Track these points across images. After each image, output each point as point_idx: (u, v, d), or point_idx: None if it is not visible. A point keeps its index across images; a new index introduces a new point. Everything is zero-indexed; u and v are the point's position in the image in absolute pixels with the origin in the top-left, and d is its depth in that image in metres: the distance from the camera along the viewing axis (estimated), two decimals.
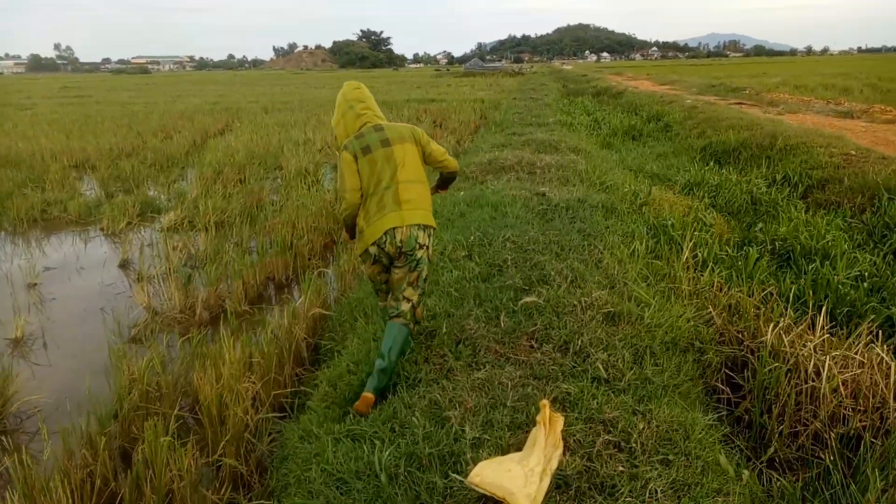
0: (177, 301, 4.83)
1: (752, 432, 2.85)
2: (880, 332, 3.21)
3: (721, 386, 3.11)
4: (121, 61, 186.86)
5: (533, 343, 3.01)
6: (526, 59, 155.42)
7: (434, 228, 3.01)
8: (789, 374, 2.90)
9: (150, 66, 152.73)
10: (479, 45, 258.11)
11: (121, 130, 14.64)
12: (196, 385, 3.33)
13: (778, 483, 2.45)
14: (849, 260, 4.51)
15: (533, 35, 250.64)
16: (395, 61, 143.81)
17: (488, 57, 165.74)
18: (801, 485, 2.45)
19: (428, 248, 2.95)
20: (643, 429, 2.28)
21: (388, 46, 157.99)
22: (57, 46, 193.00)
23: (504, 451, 2.17)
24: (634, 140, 12.09)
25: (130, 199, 7.95)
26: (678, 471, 2.09)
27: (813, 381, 2.82)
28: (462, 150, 10.91)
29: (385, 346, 2.82)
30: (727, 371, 3.19)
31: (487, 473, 1.98)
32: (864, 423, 2.70)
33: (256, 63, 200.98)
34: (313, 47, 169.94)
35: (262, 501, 2.62)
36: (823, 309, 3.43)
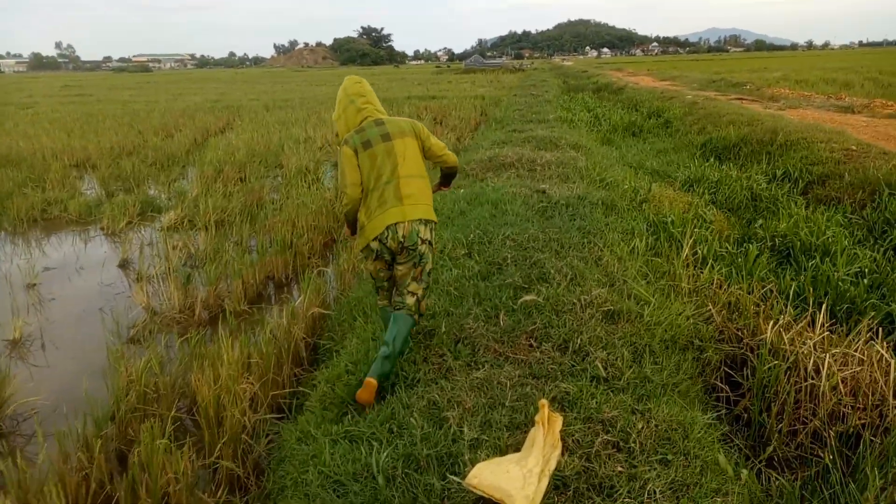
0: (176, 301, 4.83)
1: (751, 431, 2.85)
2: (880, 328, 3.19)
3: (720, 384, 3.10)
4: (122, 60, 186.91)
5: (532, 342, 3.00)
6: (526, 55, 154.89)
7: (435, 223, 3.00)
8: (789, 372, 2.90)
9: (151, 65, 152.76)
10: (480, 42, 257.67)
11: (122, 129, 14.64)
12: (194, 386, 3.31)
13: (777, 482, 2.44)
14: (849, 256, 4.50)
15: (533, 31, 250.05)
16: (396, 58, 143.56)
17: (489, 53, 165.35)
18: (800, 483, 2.44)
19: (431, 242, 2.95)
20: (642, 428, 2.27)
21: (389, 43, 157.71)
22: (58, 45, 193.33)
23: (502, 452, 2.17)
24: (635, 136, 12.07)
25: (131, 199, 7.95)
26: (677, 471, 2.08)
27: (812, 378, 2.82)
28: (462, 147, 10.88)
29: (390, 335, 2.81)
30: (726, 369, 3.19)
31: (486, 475, 1.97)
32: (863, 421, 2.69)
33: (257, 61, 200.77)
34: (314, 44, 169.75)
35: None
36: (823, 306, 3.43)
